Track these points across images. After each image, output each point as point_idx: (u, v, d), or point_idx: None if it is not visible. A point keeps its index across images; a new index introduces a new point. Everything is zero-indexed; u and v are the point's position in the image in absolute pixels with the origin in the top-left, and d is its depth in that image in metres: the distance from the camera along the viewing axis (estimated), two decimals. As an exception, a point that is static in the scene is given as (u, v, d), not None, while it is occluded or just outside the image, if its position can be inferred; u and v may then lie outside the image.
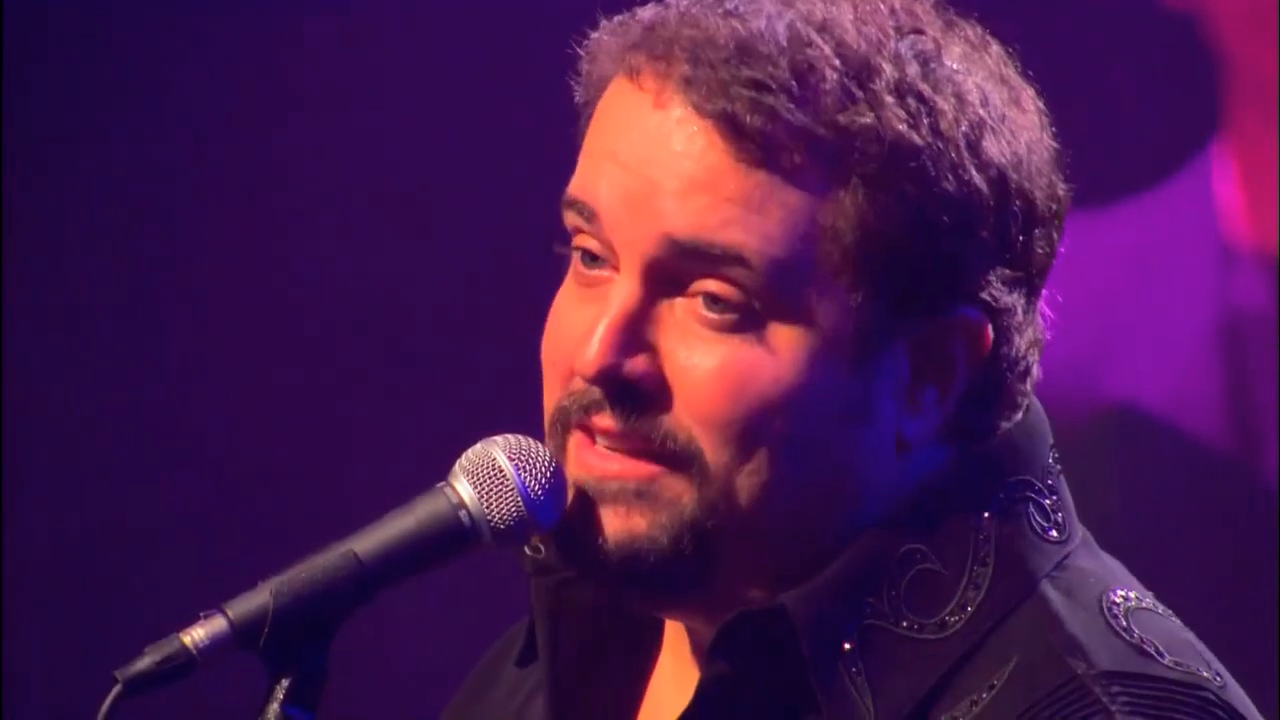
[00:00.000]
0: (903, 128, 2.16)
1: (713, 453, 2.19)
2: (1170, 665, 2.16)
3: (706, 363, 2.19)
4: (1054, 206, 2.26)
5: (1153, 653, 2.17)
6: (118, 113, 6.88)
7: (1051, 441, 2.29)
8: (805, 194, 2.18)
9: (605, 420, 2.19)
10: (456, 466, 2.17)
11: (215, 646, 2.07)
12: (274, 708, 2.05)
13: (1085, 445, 5.34)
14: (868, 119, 2.16)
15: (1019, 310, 2.24)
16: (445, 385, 6.99)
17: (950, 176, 2.18)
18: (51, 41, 6.90)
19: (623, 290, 2.20)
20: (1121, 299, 5.64)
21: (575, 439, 2.23)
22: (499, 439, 2.18)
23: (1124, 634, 2.19)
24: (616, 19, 2.25)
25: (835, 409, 2.20)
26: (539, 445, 2.20)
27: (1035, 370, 2.29)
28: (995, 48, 2.27)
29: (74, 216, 6.91)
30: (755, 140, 2.16)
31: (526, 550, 2.29)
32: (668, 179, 2.18)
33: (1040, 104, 2.27)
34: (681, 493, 2.20)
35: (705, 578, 2.23)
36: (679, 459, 2.18)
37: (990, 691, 2.16)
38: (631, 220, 2.20)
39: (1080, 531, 2.27)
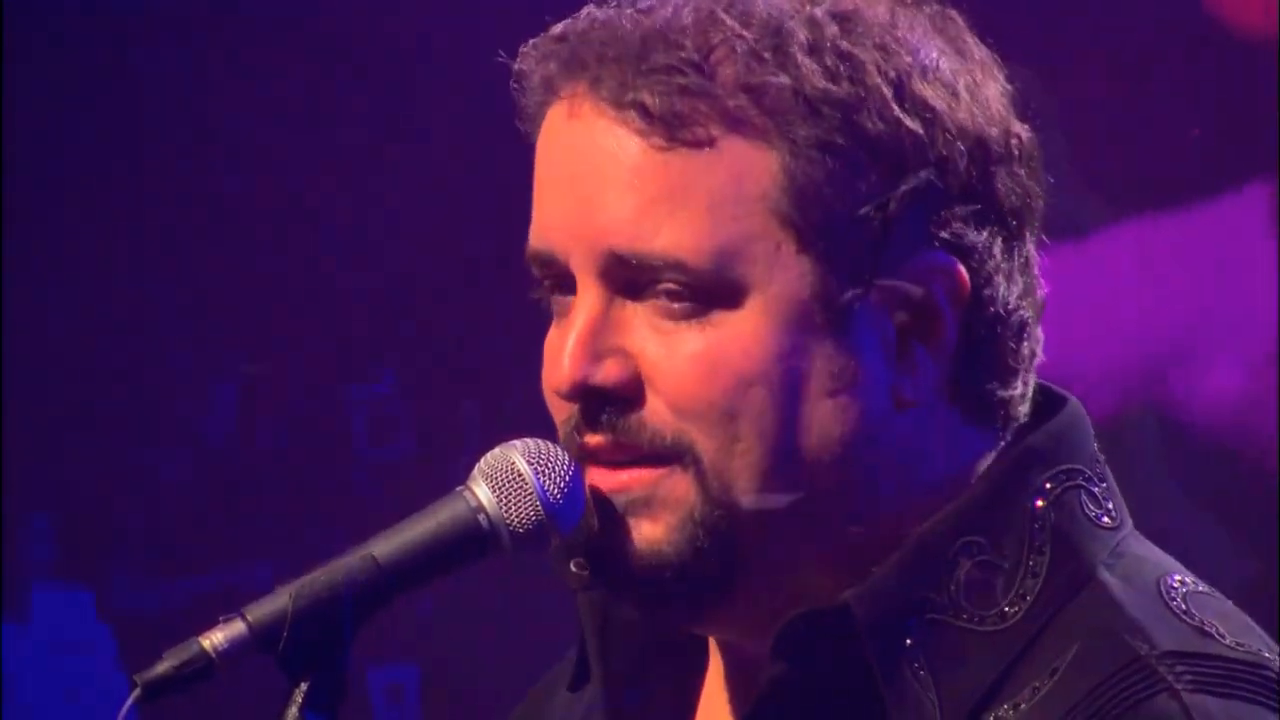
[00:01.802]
0: (820, 82, 2.10)
1: (703, 440, 2.14)
2: (1232, 645, 2.10)
3: (675, 352, 2.14)
4: (1013, 144, 2.19)
5: (1214, 634, 2.11)
6: (118, 88, 6.92)
7: (1094, 435, 2.23)
8: (728, 169, 2.12)
9: (594, 438, 2.16)
10: (475, 470, 2.13)
11: (234, 650, 2.03)
12: (293, 712, 2.01)
13: (1148, 446, 5.33)
14: (780, 79, 2.10)
15: (996, 252, 2.17)
16: (461, 389, 7.00)
17: (877, 120, 2.11)
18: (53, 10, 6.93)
19: (584, 304, 2.18)
20: (1191, 302, 5.62)
21: (584, 466, 2.20)
22: (518, 443, 2.14)
23: (1184, 616, 2.13)
24: (532, 41, 2.22)
25: (816, 375, 2.14)
26: (558, 449, 2.16)
27: (1037, 334, 2.22)
28: (936, 8, 2.23)
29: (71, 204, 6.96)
30: (667, 121, 2.10)
31: (572, 566, 2.23)
32: (597, 191, 2.15)
33: (991, 54, 2.23)
34: (686, 489, 2.15)
35: (733, 579, 2.16)
36: (672, 455, 2.14)
37: (1053, 677, 2.10)
38: (578, 243, 2.17)
39: (1130, 520, 2.22)
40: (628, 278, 2.15)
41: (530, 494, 2.10)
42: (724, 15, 2.11)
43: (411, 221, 7.40)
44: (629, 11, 2.15)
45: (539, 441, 2.15)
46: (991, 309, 2.17)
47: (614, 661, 2.32)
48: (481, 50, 7.41)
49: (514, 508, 2.09)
